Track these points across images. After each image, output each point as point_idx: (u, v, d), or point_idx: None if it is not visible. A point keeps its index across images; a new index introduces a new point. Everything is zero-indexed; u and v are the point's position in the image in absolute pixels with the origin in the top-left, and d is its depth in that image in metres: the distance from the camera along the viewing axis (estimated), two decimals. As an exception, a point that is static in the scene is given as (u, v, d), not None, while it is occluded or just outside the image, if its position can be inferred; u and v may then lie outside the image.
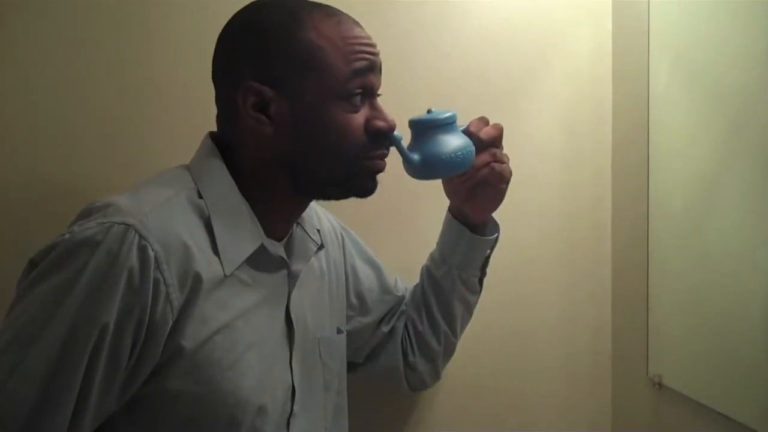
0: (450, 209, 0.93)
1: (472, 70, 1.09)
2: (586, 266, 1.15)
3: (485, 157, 0.83)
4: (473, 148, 0.81)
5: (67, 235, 0.61)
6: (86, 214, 0.64)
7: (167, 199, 0.67)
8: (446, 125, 0.79)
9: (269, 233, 0.73)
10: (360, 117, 0.71)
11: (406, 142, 0.78)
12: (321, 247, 0.83)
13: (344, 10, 0.72)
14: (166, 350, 0.63)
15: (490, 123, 0.85)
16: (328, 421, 0.81)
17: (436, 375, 0.99)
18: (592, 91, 1.15)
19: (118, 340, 0.60)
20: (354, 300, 0.92)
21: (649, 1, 1.06)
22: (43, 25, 0.93)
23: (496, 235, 0.92)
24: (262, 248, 0.71)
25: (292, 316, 0.76)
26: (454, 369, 1.04)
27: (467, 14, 1.09)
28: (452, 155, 0.78)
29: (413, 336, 0.95)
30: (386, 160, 0.75)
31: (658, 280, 1.06)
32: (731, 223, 0.91)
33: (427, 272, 0.95)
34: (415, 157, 0.77)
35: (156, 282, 0.61)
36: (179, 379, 0.64)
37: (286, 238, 0.77)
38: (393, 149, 0.76)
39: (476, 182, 0.84)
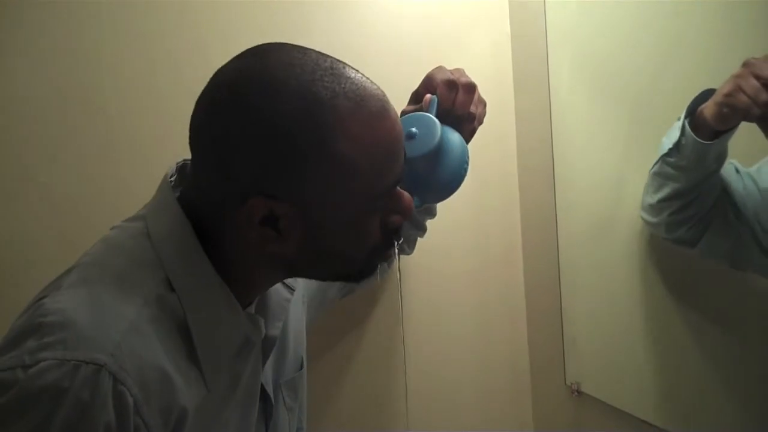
0: None
1: (367, 80, 1.04)
2: (499, 279, 1.13)
3: (469, 127, 0.76)
4: (466, 149, 0.70)
5: (20, 372, 0.47)
6: (34, 329, 0.50)
7: (138, 312, 0.53)
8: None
9: (243, 305, 0.62)
10: (379, 215, 0.59)
11: None
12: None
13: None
14: None
15: (453, 78, 0.74)
16: None
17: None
18: (494, 96, 1.10)
19: None
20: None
21: (545, 1, 1.04)
22: (41, 31, 0.90)
23: None
24: (244, 339, 0.61)
25: (267, 389, 0.68)
26: (371, 384, 1.02)
27: (359, 22, 1.04)
28: (453, 179, 0.68)
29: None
30: None
31: (570, 289, 1.05)
32: (636, 225, 0.91)
33: None
34: (416, 203, 0.65)
35: (137, 428, 0.50)
36: None
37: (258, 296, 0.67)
38: None
39: None
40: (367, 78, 0.57)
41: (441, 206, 1.07)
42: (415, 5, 1.07)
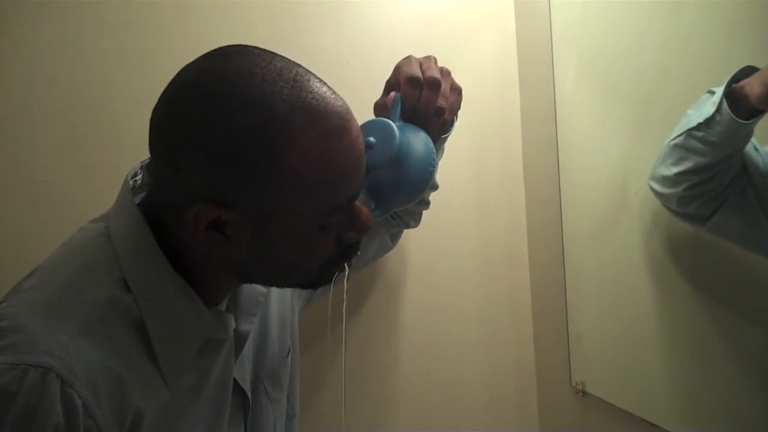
0: None
1: (373, 79, 1.02)
2: (504, 279, 1.13)
3: (438, 122, 0.72)
4: (432, 149, 0.66)
5: None
6: None
7: (88, 313, 0.53)
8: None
9: (210, 302, 0.61)
10: (334, 230, 0.58)
11: None
12: None
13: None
14: None
15: (416, 75, 0.70)
16: None
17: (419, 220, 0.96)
18: (499, 95, 1.12)
19: None
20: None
21: (549, 1, 1.04)
22: (41, 30, 0.90)
23: (448, 134, 0.80)
24: (209, 338, 0.60)
25: (243, 384, 0.68)
26: (379, 385, 1.02)
27: (366, 21, 1.04)
28: (418, 183, 0.64)
29: (393, 231, 0.93)
30: None
31: (576, 289, 1.05)
32: (641, 226, 0.90)
33: None
34: (376, 213, 0.64)
35: (88, 430, 0.50)
36: None
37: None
38: None
39: None
40: (333, 93, 0.55)
41: (447, 208, 1.07)
42: (420, 5, 1.07)
